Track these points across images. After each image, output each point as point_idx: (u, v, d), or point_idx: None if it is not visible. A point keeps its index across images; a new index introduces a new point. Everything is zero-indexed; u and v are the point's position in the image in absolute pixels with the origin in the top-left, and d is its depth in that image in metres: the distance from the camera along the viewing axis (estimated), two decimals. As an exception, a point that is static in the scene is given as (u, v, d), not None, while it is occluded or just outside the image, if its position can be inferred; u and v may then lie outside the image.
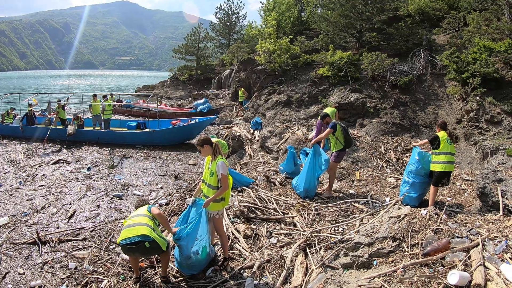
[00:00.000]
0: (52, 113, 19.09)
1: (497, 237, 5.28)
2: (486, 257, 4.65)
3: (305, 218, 7.47)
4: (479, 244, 4.94)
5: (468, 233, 5.37)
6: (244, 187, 9.01)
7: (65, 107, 18.92)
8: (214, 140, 7.09)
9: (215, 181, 5.51)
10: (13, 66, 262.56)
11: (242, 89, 23.10)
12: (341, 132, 8.47)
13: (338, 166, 10.33)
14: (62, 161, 13.39)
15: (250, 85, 23.64)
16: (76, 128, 16.76)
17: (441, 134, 7.54)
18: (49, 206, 9.16)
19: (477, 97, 11.56)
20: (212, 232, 6.06)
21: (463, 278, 4.22)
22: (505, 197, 7.25)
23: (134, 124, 18.34)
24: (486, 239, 5.12)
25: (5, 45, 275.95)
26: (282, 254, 6.04)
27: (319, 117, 9.67)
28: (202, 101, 25.10)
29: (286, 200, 8.33)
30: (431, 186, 7.55)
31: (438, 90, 13.71)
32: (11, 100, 24.51)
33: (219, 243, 6.54)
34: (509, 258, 4.63)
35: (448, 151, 7.42)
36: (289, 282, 5.40)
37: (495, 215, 6.74)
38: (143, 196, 9.93)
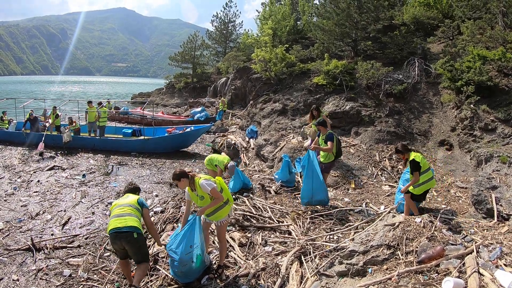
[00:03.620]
0: (45, 119, 18.97)
1: (491, 243, 5.31)
2: (481, 264, 4.68)
3: (300, 226, 7.47)
4: (473, 251, 4.98)
5: (463, 240, 5.40)
6: (239, 196, 9.03)
7: (59, 115, 18.85)
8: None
9: (209, 200, 5.56)
10: (9, 71, 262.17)
11: (222, 99, 24.03)
12: (336, 143, 8.39)
13: (333, 174, 10.38)
14: (57, 168, 13.32)
15: (245, 93, 23.73)
16: (72, 134, 16.67)
17: (416, 156, 7.02)
18: (43, 213, 9.09)
19: (471, 105, 11.64)
20: (207, 240, 6.06)
21: (458, 285, 4.24)
22: (500, 204, 7.30)
23: (130, 131, 18.32)
24: (480, 246, 5.15)
25: (1, 50, 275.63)
26: (277, 262, 6.04)
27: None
28: (199, 109, 25.07)
29: (281, 209, 8.33)
30: (410, 200, 7.23)
31: (433, 98, 13.80)
32: (8, 104, 24.49)
33: (214, 251, 6.54)
34: (504, 264, 4.66)
35: (427, 168, 7.14)
36: (284, 290, 5.39)
37: (490, 222, 6.78)
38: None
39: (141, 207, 5.59)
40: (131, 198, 5.71)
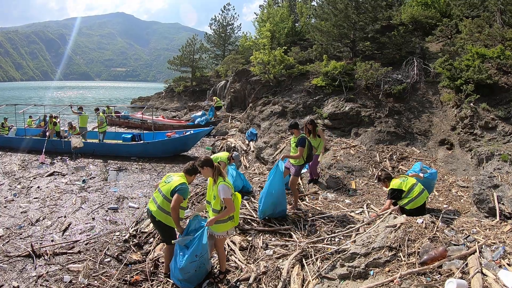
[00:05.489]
0: (45, 126, 18.95)
1: (494, 243, 5.27)
2: (484, 264, 4.64)
3: (301, 229, 7.44)
4: (476, 251, 4.93)
5: (465, 240, 5.36)
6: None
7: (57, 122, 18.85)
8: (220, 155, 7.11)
9: (217, 204, 5.46)
10: (8, 77, 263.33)
11: (214, 97, 25.80)
12: (307, 149, 8.27)
13: (334, 176, 10.36)
14: (57, 173, 13.30)
15: (245, 96, 23.71)
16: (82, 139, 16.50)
17: (395, 184, 7.13)
18: (43, 219, 9.07)
19: (471, 104, 11.62)
20: (212, 248, 6.03)
21: (461, 286, 4.20)
22: (501, 202, 7.26)
23: (129, 136, 18.28)
24: (483, 246, 5.11)
25: (1, 56, 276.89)
26: (278, 265, 5.99)
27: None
28: (199, 113, 25.04)
29: (282, 211, 8.28)
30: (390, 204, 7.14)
31: (432, 97, 13.77)
32: (7, 110, 24.48)
33: (215, 255, 6.50)
34: (507, 264, 4.62)
35: (412, 184, 7.04)
36: (286, 294, 5.35)
37: (492, 221, 6.74)
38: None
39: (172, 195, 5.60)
40: (172, 182, 5.69)
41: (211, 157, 9.79)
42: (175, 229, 5.71)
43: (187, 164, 5.94)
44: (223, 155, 9.87)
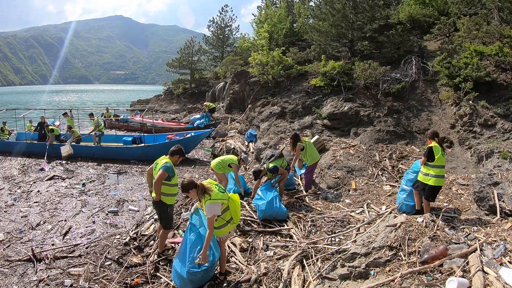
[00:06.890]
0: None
1: (495, 241, 5.27)
2: (485, 262, 4.63)
3: (301, 229, 7.44)
4: (477, 249, 4.93)
5: (466, 238, 5.36)
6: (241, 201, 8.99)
7: (55, 123, 18.86)
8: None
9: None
10: (7, 81, 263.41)
11: (205, 103, 25.94)
12: (281, 162, 9.20)
13: (334, 176, 10.38)
14: (57, 177, 13.28)
15: (244, 97, 23.69)
16: (72, 144, 16.50)
17: (434, 144, 7.13)
18: (44, 223, 9.06)
19: (470, 102, 11.61)
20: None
21: (462, 285, 4.19)
22: (502, 200, 7.25)
23: (130, 139, 18.26)
24: (484, 244, 5.11)
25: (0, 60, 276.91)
26: (279, 266, 5.99)
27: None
28: (199, 115, 25.05)
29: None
30: (424, 200, 7.19)
31: (431, 96, 13.76)
32: (8, 115, 24.51)
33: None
34: (508, 261, 4.61)
35: (442, 164, 7.08)
36: (287, 294, 5.34)
37: (493, 218, 6.73)
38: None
39: None
40: (158, 165, 6.48)
41: (218, 160, 9.75)
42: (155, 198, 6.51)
43: (172, 147, 6.67)
44: (232, 157, 9.92)
